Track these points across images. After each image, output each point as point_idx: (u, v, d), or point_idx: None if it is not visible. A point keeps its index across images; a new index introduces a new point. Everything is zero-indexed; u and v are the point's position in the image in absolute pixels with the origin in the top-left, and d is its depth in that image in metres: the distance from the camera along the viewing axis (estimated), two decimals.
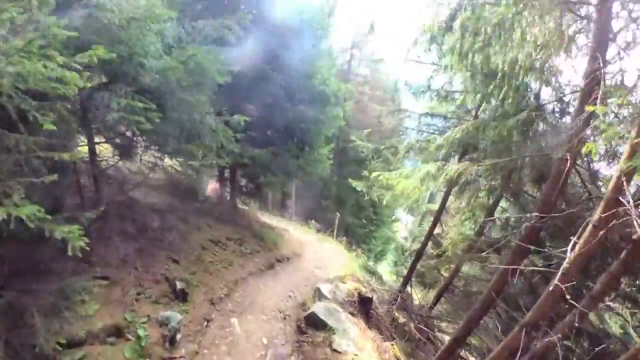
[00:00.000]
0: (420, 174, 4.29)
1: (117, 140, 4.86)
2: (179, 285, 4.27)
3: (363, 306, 5.52)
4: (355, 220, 18.64)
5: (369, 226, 19.47)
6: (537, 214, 3.73)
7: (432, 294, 8.30)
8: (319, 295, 5.33)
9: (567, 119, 4.71)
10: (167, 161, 5.55)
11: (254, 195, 8.85)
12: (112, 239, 4.14)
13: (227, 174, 9.13)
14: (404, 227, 30.70)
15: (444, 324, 7.88)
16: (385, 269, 25.89)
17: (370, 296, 5.92)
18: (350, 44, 18.81)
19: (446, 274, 7.90)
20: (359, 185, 8.54)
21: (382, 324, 5.87)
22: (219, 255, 5.76)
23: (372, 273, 10.45)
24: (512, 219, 5.45)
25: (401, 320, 7.22)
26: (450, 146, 5.06)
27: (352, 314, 4.99)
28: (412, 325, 6.75)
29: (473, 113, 7.01)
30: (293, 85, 7.40)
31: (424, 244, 7.46)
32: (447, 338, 6.90)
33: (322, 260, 9.18)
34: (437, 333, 7.31)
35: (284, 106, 7.34)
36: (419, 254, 7.56)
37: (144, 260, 4.24)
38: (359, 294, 5.73)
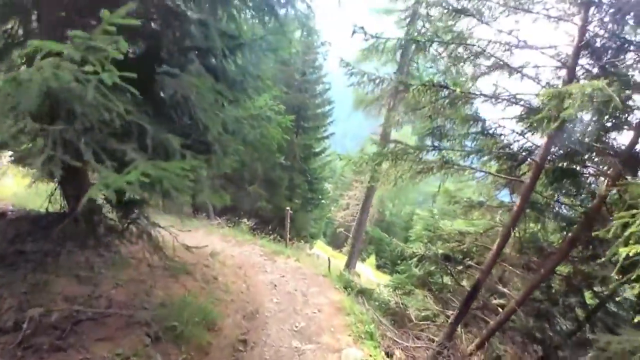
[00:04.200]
0: None
1: None
2: None
3: None
4: (290, 204, 14.72)
5: (306, 207, 15.92)
6: None
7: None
8: None
9: None
10: None
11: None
12: None
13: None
14: None
15: None
16: (321, 245, 23.37)
17: None
18: None
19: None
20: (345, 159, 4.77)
21: None
22: None
23: (362, 292, 7.01)
24: None
25: None
26: None
27: None
28: None
29: None
30: None
31: (487, 270, 4.21)
32: None
33: (296, 310, 5.19)
34: None
35: None
36: (477, 287, 4.32)
37: None
38: None
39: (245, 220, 10.51)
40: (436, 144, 4.14)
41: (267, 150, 4.47)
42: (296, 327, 4.72)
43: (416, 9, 12.41)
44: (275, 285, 6.01)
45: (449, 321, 4.61)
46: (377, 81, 3.94)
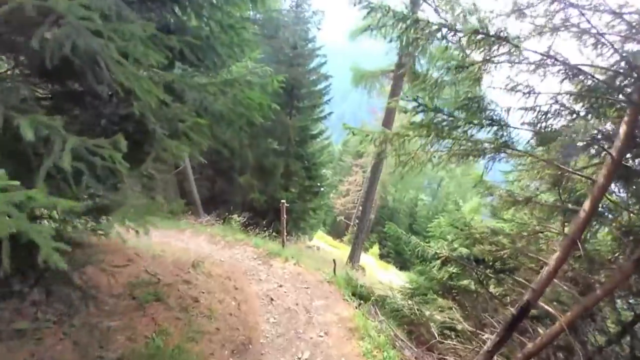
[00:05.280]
0: None
1: None
2: None
3: None
4: (286, 194, 13.47)
5: (304, 197, 14.74)
6: None
7: None
8: None
9: None
10: None
11: None
12: None
13: None
14: None
15: None
16: (321, 235, 22.49)
17: None
18: None
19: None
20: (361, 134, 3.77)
21: None
22: None
23: (375, 302, 6.04)
24: None
25: None
26: None
27: None
28: None
29: None
30: None
31: (541, 290, 3.19)
32: None
33: (298, 334, 4.24)
34: None
35: None
36: (526, 310, 3.32)
37: None
38: None
39: (236, 215, 9.44)
40: (491, 118, 3.03)
41: (245, 121, 3.17)
42: (299, 359, 3.77)
43: None
44: (272, 299, 5.05)
45: (486, 348, 3.66)
46: (407, 21, 2.73)
